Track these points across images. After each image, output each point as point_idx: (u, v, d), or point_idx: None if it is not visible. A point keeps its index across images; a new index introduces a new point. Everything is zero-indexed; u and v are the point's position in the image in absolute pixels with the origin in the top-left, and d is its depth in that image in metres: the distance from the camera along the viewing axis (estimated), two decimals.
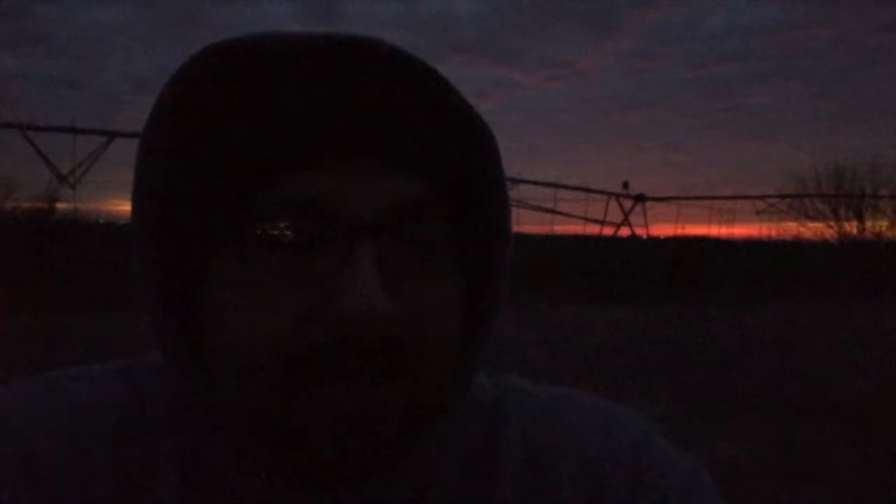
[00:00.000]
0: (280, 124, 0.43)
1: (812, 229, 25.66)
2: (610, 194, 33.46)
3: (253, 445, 0.44)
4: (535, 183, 31.74)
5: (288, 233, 0.42)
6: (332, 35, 0.41)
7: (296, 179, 0.43)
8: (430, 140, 0.45)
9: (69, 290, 10.40)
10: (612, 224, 33.32)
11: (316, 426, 0.41)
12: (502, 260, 0.47)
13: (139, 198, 0.44)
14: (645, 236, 32.94)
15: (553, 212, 32.30)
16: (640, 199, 33.79)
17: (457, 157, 0.46)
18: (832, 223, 25.21)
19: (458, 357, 0.46)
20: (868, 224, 24.55)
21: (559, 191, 32.39)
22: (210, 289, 0.44)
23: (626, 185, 33.91)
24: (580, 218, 33.41)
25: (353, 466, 0.42)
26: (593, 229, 33.01)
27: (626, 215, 33.51)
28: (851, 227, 24.90)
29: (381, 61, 0.42)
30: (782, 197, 28.63)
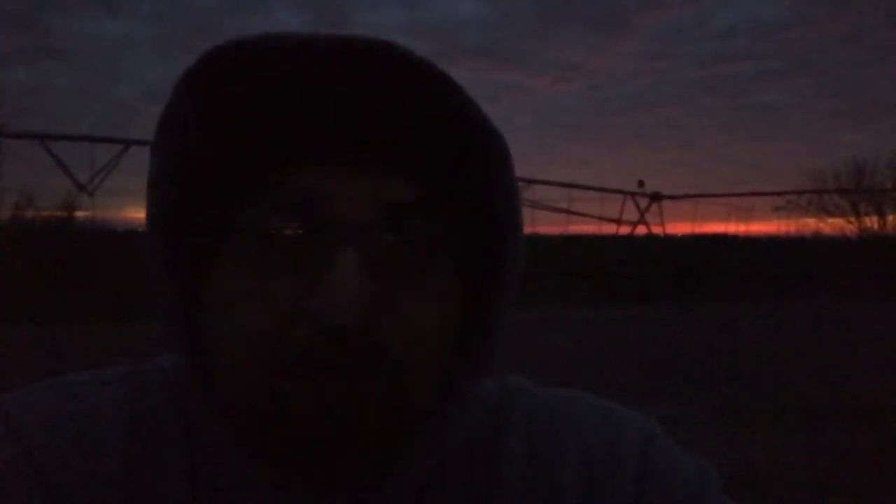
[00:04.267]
0: (280, 121, 0.44)
1: (831, 225, 25.45)
2: (626, 193, 33.32)
3: (248, 441, 0.45)
4: (550, 183, 31.69)
5: (275, 231, 0.43)
6: (337, 35, 0.41)
7: (292, 177, 0.44)
8: (432, 143, 0.45)
9: (88, 296, 10.52)
10: (628, 223, 33.17)
11: (300, 422, 0.41)
12: (510, 265, 0.47)
13: (149, 196, 0.45)
14: (661, 235, 32.76)
15: (568, 212, 32.22)
16: (656, 197, 33.58)
17: (460, 160, 0.46)
18: (852, 219, 25.00)
19: (447, 360, 0.46)
20: (889, 219, 24.30)
21: (574, 191, 32.30)
22: (212, 286, 0.45)
23: (641, 183, 33.71)
24: (596, 217, 33.30)
25: (341, 461, 0.43)
26: (609, 229, 32.89)
27: (643, 214, 33.33)
28: (872, 223, 24.67)
29: (388, 63, 0.41)
30: (801, 193, 28.40)
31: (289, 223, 0.43)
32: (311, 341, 0.41)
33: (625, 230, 32.64)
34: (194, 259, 0.46)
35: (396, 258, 0.43)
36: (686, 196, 34.73)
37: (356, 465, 0.45)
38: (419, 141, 0.45)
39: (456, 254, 0.46)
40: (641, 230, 32.86)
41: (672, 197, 34.21)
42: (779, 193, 31.29)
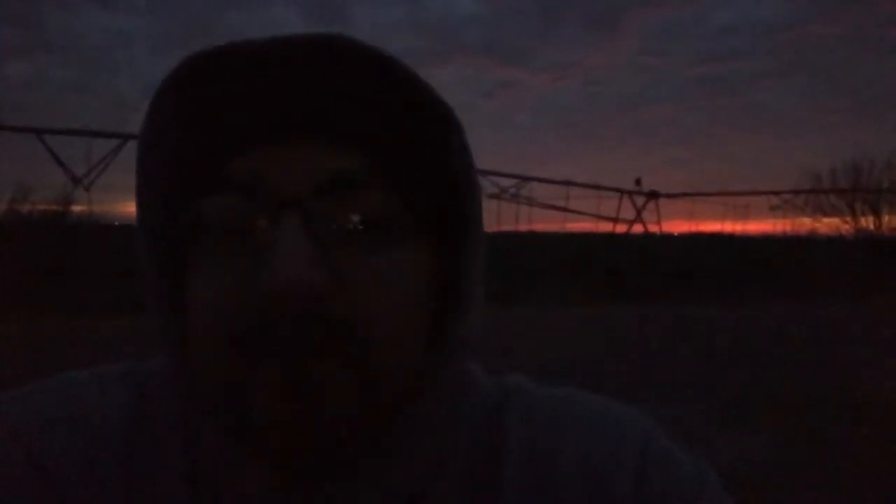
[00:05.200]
0: (226, 114, 0.46)
1: (827, 225, 25.54)
2: (622, 191, 33.32)
3: (221, 432, 0.45)
4: (547, 181, 31.68)
5: (222, 217, 0.44)
6: (292, 35, 0.43)
7: (237, 163, 0.45)
8: (376, 119, 0.46)
9: (84, 291, 10.50)
10: (624, 221, 33.18)
11: (261, 406, 0.41)
12: (472, 241, 0.47)
13: (137, 192, 0.47)
14: (658, 233, 32.78)
15: (565, 210, 32.21)
16: (653, 195, 33.58)
17: (408, 137, 0.47)
18: (848, 218, 25.09)
19: (418, 340, 0.46)
20: (885, 219, 24.40)
21: (571, 189, 32.27)
22: (187, 282, 0.46)
23: (638, 181, 33.69)
24: (592, 215, 33.29)
25: (308, 448, 0.43)
26: (606, 227, 32.90)
27: (639, 212, 33.35)
28: (868, 223, 24.77)
29: (328, 50, 0.44)
30: (798, 192, 28.47)
31: (233, 207, 0.44)
32: (263, 322, 0.41)
33: (621, 228, 32.66)
34: (178, 255, 0.47)
35: (345, 229, 0.44)
36: (683, 195, 34.76)
37: (325, 449, 0.44)
38: (366, 118, 0.46)
39: (421, 227, 0.47)
40: (638, 228, 32.91)
41: (669, 195, 34.24)
42: (776, 193, 31.35)
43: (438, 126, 0.46)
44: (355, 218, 0.44)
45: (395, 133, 0.47)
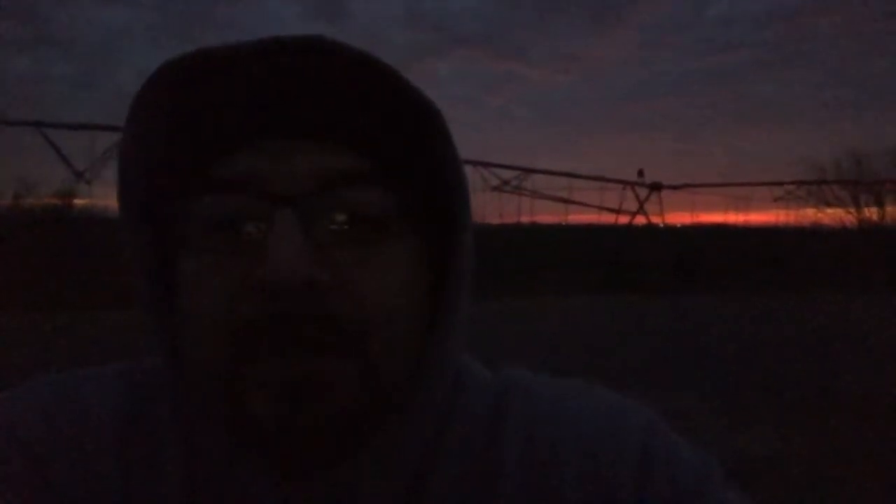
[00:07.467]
0: (217, 114, 0.46)
1: (830, 216, 25.52)
2: (625, 183, 33.29)
3: (219, 427, 0.45)
4: (550, 173, 31.68)
5: (217, 214, 0.44)
6: (274, 36, 0.43)
7: (230, 162, 0.46)
8: (364, 119, 0.46)
9: (86, 285, 10.53)
10: (627, 213, 33.16)
11: (260, 405, 0.42)
12: (461, 237, 0.48)
13: (119, 189, 0.47)
14: (661, 225, 32.78)
15: (568, 201, 32.20)
16: (655, 187, 33.55)
17: (396, 135, 0.47)
18: (852, 209, 25.06)
19: (414, 333, 0.46)
20: (889, 210, 24.37)
21: (574, 180, 32.25)
22: (177, 277, 0.46)
23: (640, 173, 33.67)
24: (595, 207, 33.29)
25: (304, 442, 0.43)
26: (608, 219, 32.93)
27: (642, 204, 33.32)
28: (871, 214, 24.74)
29: (313, 51, 0.44)
30: (801, 183, 28.42)
31: (229, 204, 0.44)
32: (261, 319, 0.41)
33: (624, 220, 32.64)
34: (165, 251, 0.47)
35: (340, 226, 0.44)
36: (686, 186, 34.71)
37: (325, 445, 0.44)
38: (358, 120, 0.46)
39: (414, 224, 0.48)
40: (641, 220, 32.88)
41: (672, 187, 34.18)
42: (779, 184, 31.31)
43: (425, 123, 0.46)
44: (349, 215, 0.44)
45: (385, 131, 0.47)
